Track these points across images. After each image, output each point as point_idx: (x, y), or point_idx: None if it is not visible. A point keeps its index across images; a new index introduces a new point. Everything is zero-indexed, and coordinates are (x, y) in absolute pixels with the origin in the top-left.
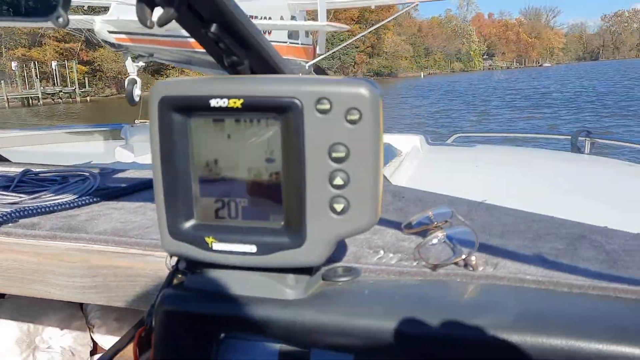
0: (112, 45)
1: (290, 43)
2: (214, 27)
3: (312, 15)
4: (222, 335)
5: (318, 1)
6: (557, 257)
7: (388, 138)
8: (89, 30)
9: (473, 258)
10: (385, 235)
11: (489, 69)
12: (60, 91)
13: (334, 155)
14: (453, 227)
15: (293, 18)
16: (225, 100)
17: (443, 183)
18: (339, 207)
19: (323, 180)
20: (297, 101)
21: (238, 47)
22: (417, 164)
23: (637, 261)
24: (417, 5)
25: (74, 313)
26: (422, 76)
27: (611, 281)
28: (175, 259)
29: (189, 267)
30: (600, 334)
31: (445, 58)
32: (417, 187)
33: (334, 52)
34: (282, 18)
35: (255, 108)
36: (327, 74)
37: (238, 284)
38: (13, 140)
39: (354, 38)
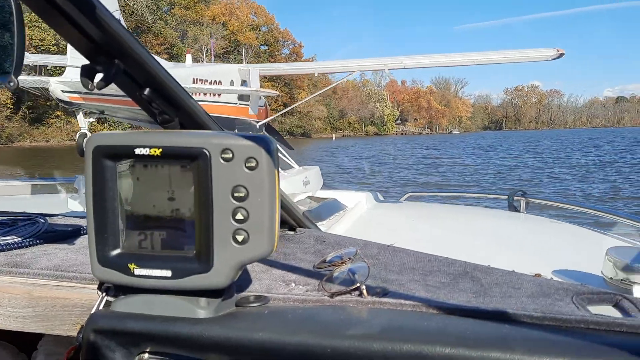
0: (65, 103)
1: (240, 104)
2: (147, 91)
3: (262, 79)
4: (146, 355)
5: (250, 70)
6: (439, 288)
7: (336, 194)
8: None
9: (364, 287)
10: (299, 271)
11: (402, 133)
12: None
13: (236, 195)
14: (354, 263)
15: (244, 82)
16: (147, 149)
17: (374, 234)
18: (240, 238)
19: (227, 215)
20: (205, 151)
21: (168, 107)
22: (357, 218)
23: (503, 291)
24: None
25: None
26: (333, 138)
27: (477, 305)
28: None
29: (116, 293)
30: (447, 341)
31: (360, 121)
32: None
33: (279, 115)
34: (232, 82)
35: (172, 156)
36: (279, 133)
37: (157, 305)
38: None
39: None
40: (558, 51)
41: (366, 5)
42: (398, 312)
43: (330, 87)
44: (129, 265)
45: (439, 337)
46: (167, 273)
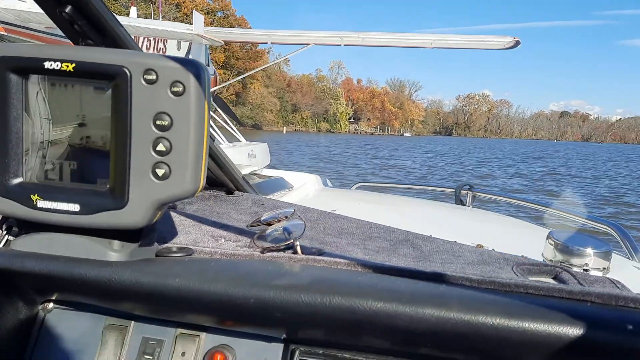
0: None
1: None
2: (68, 9)
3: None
4: (51, 304)
5: (194, 14)
6: (377, 252)
7: (284, 174)
8: None
9: (298, 245)
10: (231, 229)
11: (354, 132)
12: None
13: (159, 123)
14: (290, 221)
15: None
16: (59, 63)
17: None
18: (160, 172)
19: (147, 146)
20: (125, 70)
21: (93, 31)
22: (302, 197)
23: (442, 258)
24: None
25: None
26: (284, 132)
27: (415, 267)
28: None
29: (20, 232)
30: (380, 296)
31: (313, 117)
32: None
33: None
34: (179, 43)
35: (86, 73)
36: (227, 105)
37: (63, 244)
38: None
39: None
40: (514, 39)
41: (327, 4)
42: (332, 269)
43: (284, 57)
44: (32, 196)
45: (372, 291)
46: (75, 207)
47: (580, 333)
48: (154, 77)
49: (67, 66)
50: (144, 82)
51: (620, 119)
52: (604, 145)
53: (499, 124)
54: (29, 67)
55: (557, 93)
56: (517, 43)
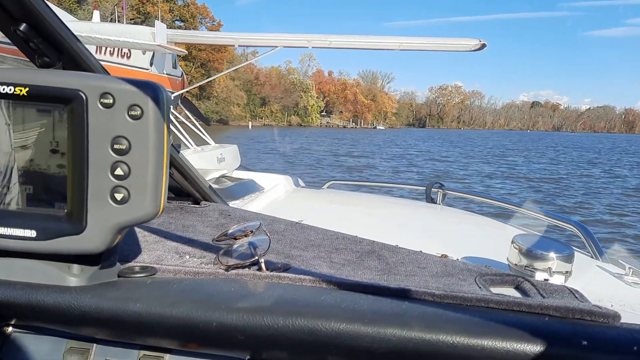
0: None
1: (151, 71)
2: (23, 27)
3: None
4: (10, 329)
5: (157, 24)
6: (343, 265)
7: (254, 175)
8: None
9: (262, 261)
10: (196, 244)
11: (326, 126)
12: None
13: (116, 147)
14: (255, 236)
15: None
16: (12, 87)
17: (288, 215)
18: (119, 196)
19: (104, 170)
20: (81, 94)
21: (49, 49)
22: (272, 199)
23: (407, 270)
24: (276, 48)
25: None
26: (250, 127)
27: (379, 282)
28: None
29: None
30: (343, 317)
31: (283, 110)
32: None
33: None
34: (144, 52)
35: (40, 97)
36: (195, 107)
37: (22, 271)
38: None
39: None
40: (480, 42)
41: None
42: (296, 287)
43: (253, 55)
44: None
45: (335, 311)
46: (32, 233)
47: (537, 349)
48: (110, 100)
49: (21, 90)
50: (100, 106)
51: (589, 108)
52: (576, 134)
53: (472, 115)
54: None
55: (527, 83)
56: (483, 46)
